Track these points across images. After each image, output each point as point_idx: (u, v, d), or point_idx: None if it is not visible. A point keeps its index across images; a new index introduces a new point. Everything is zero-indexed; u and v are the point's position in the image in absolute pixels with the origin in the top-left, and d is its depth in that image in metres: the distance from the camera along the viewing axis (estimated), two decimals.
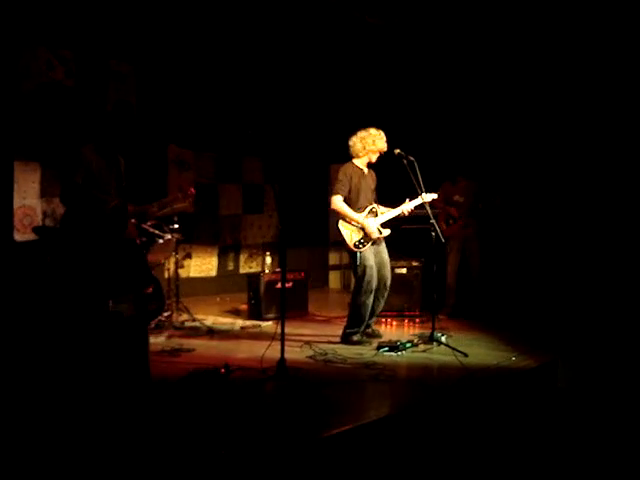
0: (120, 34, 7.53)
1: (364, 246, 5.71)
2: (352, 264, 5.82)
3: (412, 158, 5.57)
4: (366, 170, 5.90)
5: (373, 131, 5.76)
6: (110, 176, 4.73)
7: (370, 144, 5.75)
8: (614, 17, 7.05)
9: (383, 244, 5.92)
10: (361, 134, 5.79)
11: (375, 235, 5.75)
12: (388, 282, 5.89)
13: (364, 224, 5.73)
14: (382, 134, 5.77)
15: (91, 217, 4.57)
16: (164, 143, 8.30)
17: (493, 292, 7.36)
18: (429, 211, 5.69)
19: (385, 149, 5.78)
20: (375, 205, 5.88)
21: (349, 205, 5.78)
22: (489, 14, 7.65)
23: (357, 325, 5.80)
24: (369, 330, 5.96)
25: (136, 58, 7.89)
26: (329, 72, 9.19)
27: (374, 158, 5.82)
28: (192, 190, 5.10)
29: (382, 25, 8.41)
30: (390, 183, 6.12)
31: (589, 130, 7.49)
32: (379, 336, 5.94)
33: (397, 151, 5.69)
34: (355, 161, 5.86)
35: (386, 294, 5.92)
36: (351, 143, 5.83)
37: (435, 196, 5.99)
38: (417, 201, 5.78)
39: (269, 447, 3.35)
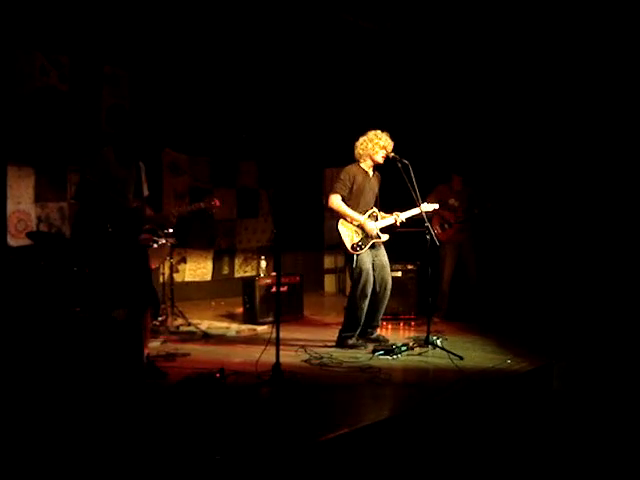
0: (114, 39, 7.52)
1: (362, 249, 5.70)
2: (349, 267, 5.80)
3: (407, 162, 5.55)
4: (371, 173, 5.86)
5: (371, 134, 5.75)
6: (129, 180, 4.69)
7: (367, 148, 5.73)
8: (605, 18, 7.08)
9: (382, 248, 5.89)
10: (361, 138, 5.79)
11: (374, 233, 5.72)
12: (389, 285, 5.85)
13: (364, 223, 5.71)
14: (380, 135, 5.71)
15: (102, 217, 4.53)
16: (159, 147, 8.29)
17: (488, 296, 7.36)
18: (424, 215, 5.69)
19: (384, 148, 5.69)
20: (375, 209, 5.87)
21: (349, 206, 5.74)
22: (482, 17, 7.67)
23: (352, 329, 5.79)
24: (373, 336, 5.90)
25: (130, 62, 7.88)
26: (323, 76, 9.20)
27: (379, 159, 5.74)
28: (217, 203, 5.04)
29: (375, 29, 8.43)
30: (386, 186, 6.11)
31: (583, 132, 7.50)
32: (384, 342, 5.84)
33: (391, 154, 5.69)
34: (360, 163, 5.84)
35: (387, 298, 5.88)
36: (355, 148, 5.83)
37: (436, 206, 6.06)
38: (416, 211, 5.79)
39: (265, 452, 3.34)
